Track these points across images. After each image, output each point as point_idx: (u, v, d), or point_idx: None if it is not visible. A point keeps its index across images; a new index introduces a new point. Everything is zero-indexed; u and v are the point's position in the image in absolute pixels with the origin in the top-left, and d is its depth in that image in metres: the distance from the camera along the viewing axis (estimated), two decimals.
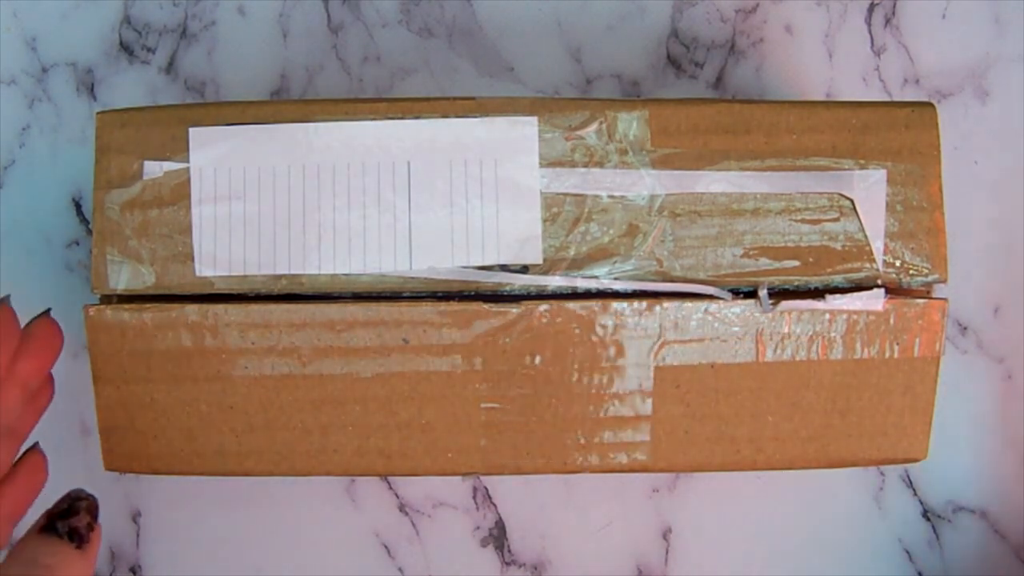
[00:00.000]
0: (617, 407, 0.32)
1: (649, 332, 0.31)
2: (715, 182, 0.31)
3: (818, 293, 0.31)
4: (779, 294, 0.32)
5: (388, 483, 0.41)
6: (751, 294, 0.31)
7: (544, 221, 0.31)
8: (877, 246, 0.31)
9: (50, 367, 0.29)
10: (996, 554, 0.41)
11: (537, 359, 0.31)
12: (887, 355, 0.32)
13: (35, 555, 0.23)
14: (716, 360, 0.32)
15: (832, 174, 0.31)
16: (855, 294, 0.31)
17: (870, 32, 0.41)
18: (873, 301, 0.31)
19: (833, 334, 0.31)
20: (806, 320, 0.31)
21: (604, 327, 0.31)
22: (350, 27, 0.41)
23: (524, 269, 0.31)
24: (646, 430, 0.32)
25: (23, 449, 0.29)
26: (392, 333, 0.31)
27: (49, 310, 0.29)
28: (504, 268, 0.31)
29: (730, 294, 0.31)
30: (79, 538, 0.24)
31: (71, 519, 0.24)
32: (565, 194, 0.31)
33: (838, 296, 0.31)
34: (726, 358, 0.31)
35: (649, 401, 0.32)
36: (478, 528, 0.41)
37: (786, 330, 0.31)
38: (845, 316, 0.31)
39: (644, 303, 0.31)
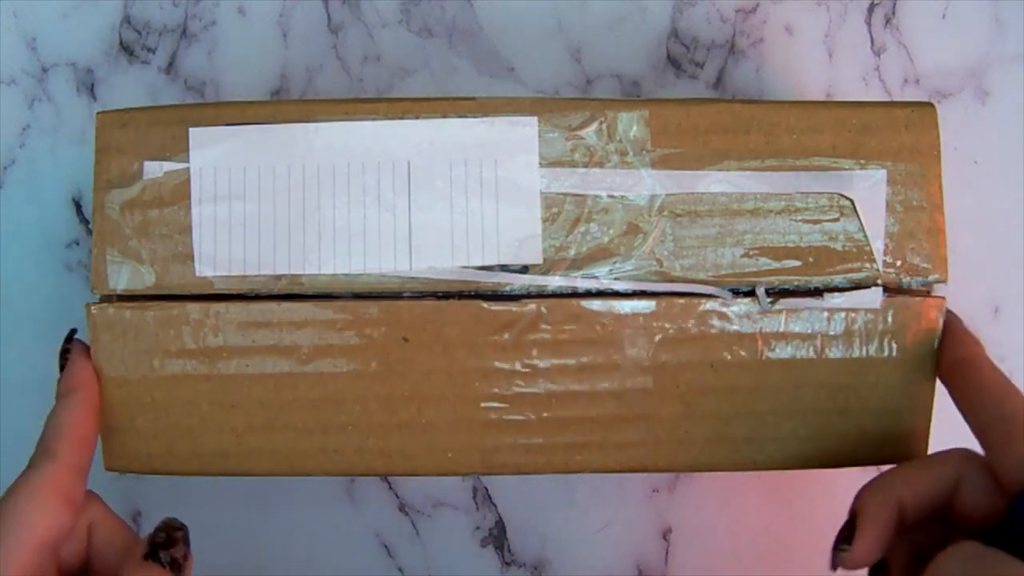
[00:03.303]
0: (617, 407, 0.32)
1: (649, 332, 0.31)
2: (715, 182, 0.31)
3: (818, 293, 0.31)
4: (778, 293, 0.32)
5: (388, 483, 0.41)
6: (751, 294, 0.31)
7: (544, 221, 0.31)
8: (877, 246, 0.31)
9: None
10: None
11: (537, 359, 0.31)
12: (886, 354, 0.32)
13: None
14: (716, 360, 0.32)
15: (832, 174, 0.31)
16: (853, 293, 0.31)
17: (870, 32, 0.41)
18: (871, 300, 0.31)
19: (832, 333, 0.31)
20: (805, 319, 0.31)
21: (604, 327, 0.31)
22: (350, 27, 0.41)
23: (524, 269, 0.31)
24: (646, 430, 0.32)
25: None
26: (392, 333, 0.31)
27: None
28: (504, 268, 0.31)
29: (730, 294, 0.31)
30: (178, 568, 0.27)
31: (171, 549, 0.27)
32: (565, 194, 0.31)
33: (836, 295, 0.31)
34: (726, 357, 0.31)
35: (649, 401, 0.32)
36: (478, 528, 0.41)
37: (785, 329, 0.31)
38: (844, 315, 0.31)
39: (644, 303, 0.31)
